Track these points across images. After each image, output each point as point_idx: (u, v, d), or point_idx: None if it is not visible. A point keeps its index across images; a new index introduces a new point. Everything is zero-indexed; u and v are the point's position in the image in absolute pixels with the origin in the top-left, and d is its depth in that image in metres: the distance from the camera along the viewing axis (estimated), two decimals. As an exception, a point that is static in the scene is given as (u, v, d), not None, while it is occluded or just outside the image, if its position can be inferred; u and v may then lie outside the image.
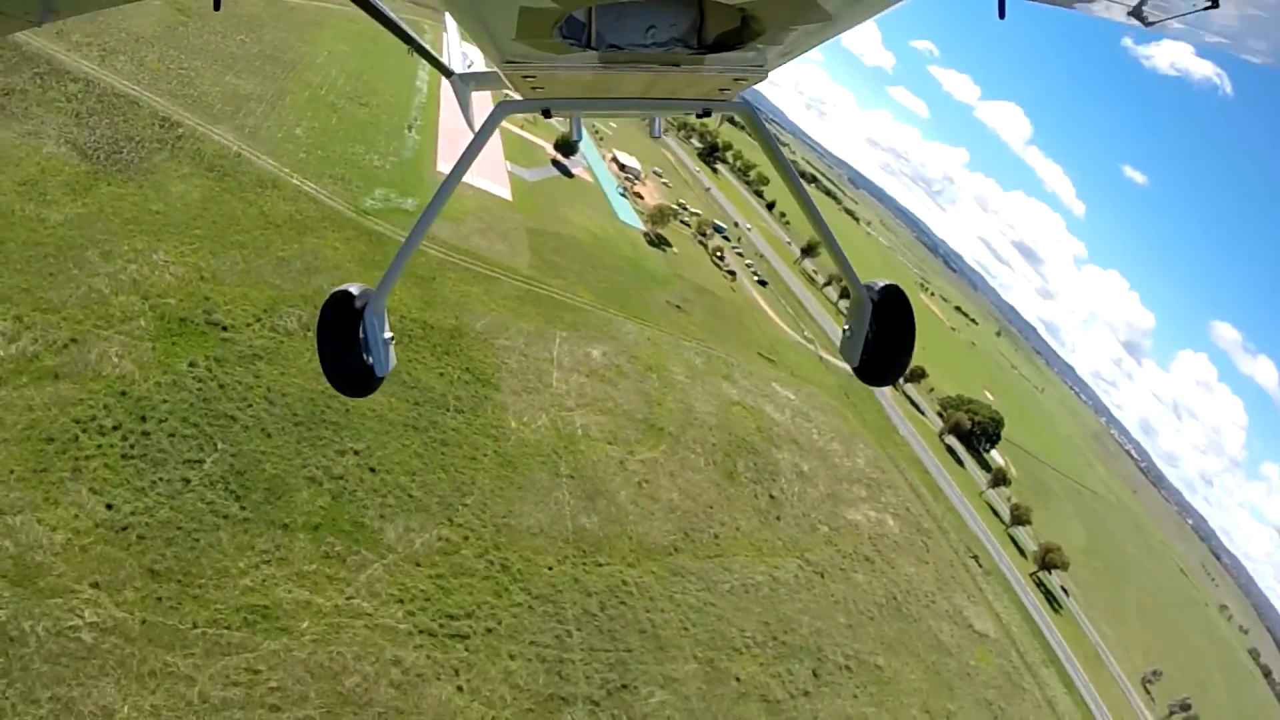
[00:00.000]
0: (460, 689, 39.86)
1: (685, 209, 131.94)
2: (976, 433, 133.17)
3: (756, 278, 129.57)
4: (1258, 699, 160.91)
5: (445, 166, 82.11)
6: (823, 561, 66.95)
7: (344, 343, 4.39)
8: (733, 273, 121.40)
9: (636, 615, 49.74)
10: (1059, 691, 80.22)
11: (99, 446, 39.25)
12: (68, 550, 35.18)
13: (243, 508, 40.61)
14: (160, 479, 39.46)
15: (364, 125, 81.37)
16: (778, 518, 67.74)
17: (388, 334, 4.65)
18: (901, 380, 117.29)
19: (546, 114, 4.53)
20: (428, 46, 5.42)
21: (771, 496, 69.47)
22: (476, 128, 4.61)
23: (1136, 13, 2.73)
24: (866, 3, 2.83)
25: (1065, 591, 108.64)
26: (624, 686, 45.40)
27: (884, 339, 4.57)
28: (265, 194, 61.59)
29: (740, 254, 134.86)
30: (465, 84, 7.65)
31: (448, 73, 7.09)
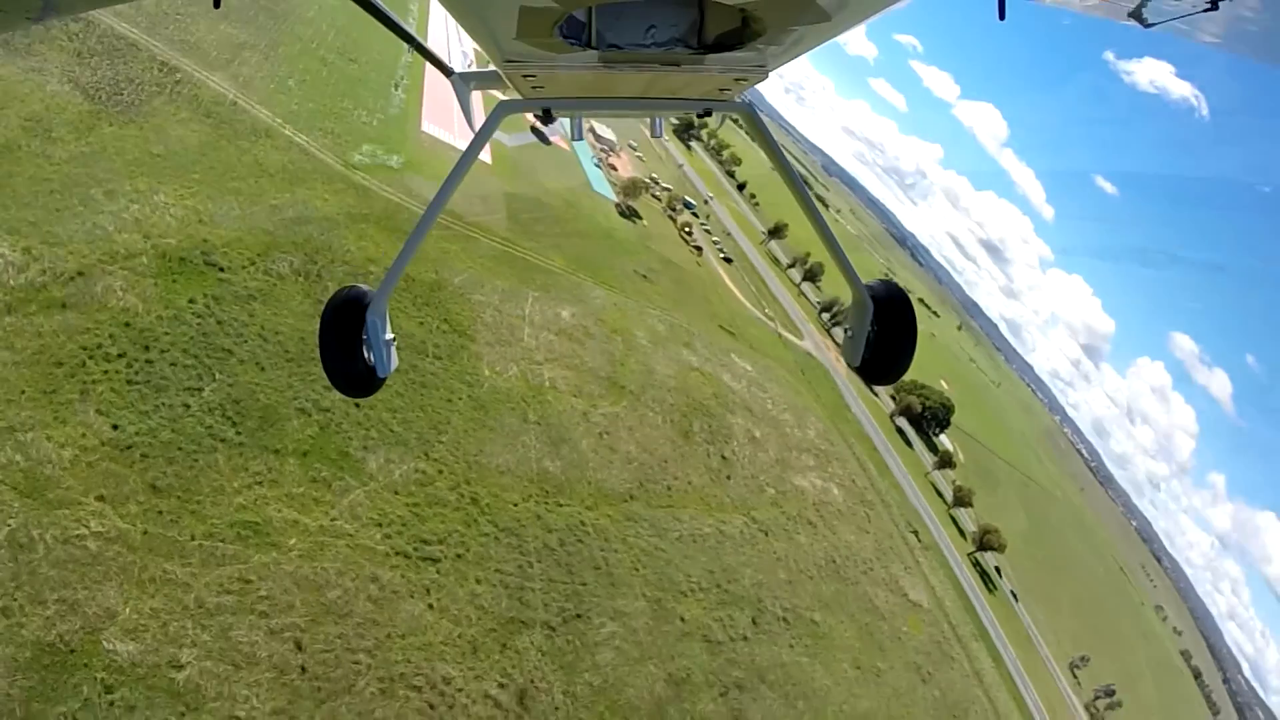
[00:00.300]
0: (430, 607, 43.60)
1: (657, 183, 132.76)
2: (926, 417, 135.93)
3: (722, 255, 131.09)
4: (1186, 697, 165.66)
5: (430, 126, 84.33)
6: (768, 521, 70.72)
7: (346, 344, 4.47)
8: (699, 248, 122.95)
9: (592, 553, 53.60)
10: (987, 665, 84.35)
11: (105, 372, 41.84)
12: (75, 465, 37.87)
13: (238, 433, 43.63)
14: (162, 403, 42.28)
15: (353, 81, 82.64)
16: (728, 477, 71.35)
17: (389, 335, 4.68)
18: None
19: (547, 114, 4.51)
20: (427, 45, 5.37)
21: (723, 457, 72.93)
22: (476, 128, 4.70)
23: (1136, 14, 2.80)
24: (866, 2, 2.87)
25: (1000, 574, 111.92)
26: (578, 616, 49.46)
27: (886, 338, 4.48)
28: (259, 143, 63.55)
29: (708, 230, 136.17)
30: (465, 83, 7.48)
31: (448, 72, 6.86)
